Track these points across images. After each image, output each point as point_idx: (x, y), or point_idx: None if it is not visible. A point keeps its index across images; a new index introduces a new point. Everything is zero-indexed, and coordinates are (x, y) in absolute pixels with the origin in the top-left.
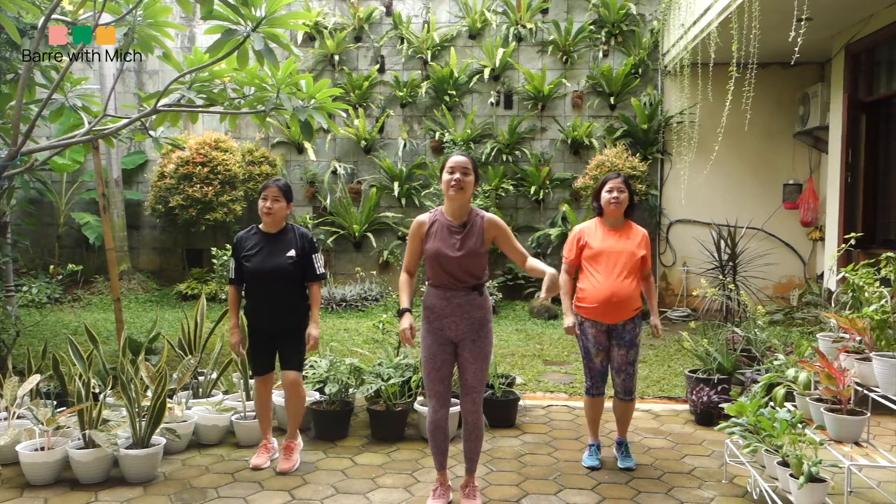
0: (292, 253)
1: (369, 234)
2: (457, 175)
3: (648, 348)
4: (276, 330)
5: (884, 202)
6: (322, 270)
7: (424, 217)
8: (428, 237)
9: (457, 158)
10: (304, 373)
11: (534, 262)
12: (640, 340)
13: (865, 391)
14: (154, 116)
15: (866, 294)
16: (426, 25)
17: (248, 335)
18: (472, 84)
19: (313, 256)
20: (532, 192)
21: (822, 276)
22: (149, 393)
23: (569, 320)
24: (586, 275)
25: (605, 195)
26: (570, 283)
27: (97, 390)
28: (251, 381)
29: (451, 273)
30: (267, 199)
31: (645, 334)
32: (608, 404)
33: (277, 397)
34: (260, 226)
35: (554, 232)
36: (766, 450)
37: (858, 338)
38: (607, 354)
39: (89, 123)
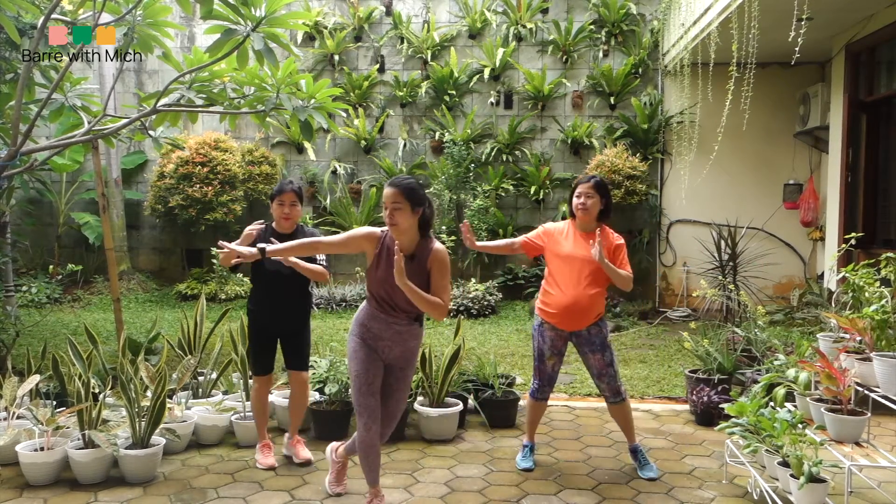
0: None
1: None
2: (387, 211)
3: (648, 348)
4: (279, 329)
5: (884, 202)
6: (325, 264)
7: (377, 232)
8: (379, 261)
9: (387, 190)
10: None
11: (437, 313)
12: (610, 341)
13: (866, 391)
14: (154, 116)
15: (866, 294)
16: (426, 25)
17: (251, 334)
18: (472, 84)
19: (317, 256)
20: (532, 192)
21: (822, 276)
22: (148, 393)
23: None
24: (553, 279)
25: (574, 200)
26: (506, 243)
27: (97, 390)
28: (251, 382)
29: (397, 304)
30: (284, 204)
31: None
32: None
33: (276, 397)
34: (273, 224)
35: None
36: (767, 450)
37: (859, 338)
38: (560, 360)
39: (89, 123)
